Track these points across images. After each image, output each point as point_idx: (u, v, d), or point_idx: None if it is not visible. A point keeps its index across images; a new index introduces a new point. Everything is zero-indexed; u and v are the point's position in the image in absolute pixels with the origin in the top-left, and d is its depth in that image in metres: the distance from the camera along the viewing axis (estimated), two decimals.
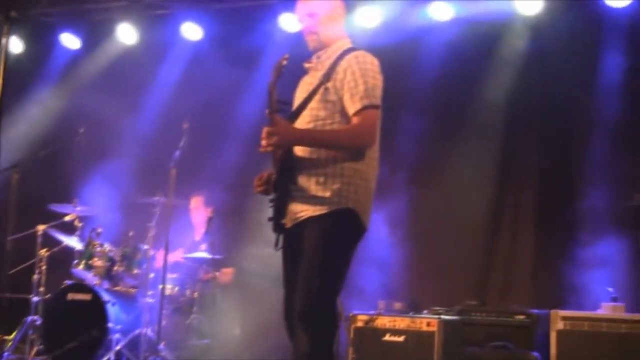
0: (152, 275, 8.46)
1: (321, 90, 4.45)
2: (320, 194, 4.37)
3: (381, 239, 8.37)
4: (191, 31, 9.86)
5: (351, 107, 4.39)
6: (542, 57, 8.50)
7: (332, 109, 4.43)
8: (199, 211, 9.25)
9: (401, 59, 8.46)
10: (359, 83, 4.39)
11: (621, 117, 7.94)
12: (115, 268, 8.44)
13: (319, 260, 4.30)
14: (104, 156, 9.56)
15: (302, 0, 4.71)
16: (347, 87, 4.40)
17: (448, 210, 8.57)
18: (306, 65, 4.70)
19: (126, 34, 10.15)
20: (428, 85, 8.72)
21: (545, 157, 8.51)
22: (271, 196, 4.50)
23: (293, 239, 4.43)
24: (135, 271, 8.49)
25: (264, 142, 4.30)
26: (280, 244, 4.52)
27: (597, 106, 8.13)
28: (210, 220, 8.53)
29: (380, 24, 8.96)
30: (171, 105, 9.70)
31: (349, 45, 4.63)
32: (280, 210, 4.46)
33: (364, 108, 4.37)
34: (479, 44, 8.68)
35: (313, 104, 4.47)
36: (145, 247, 8.46)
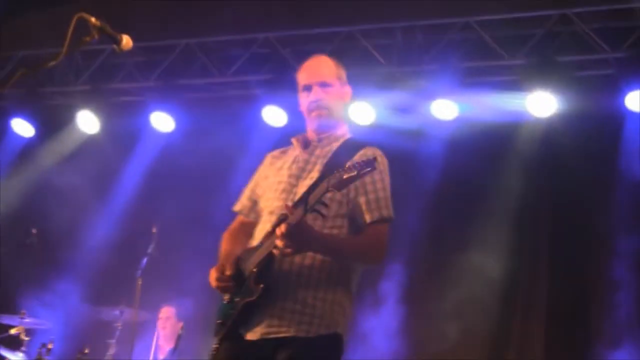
0: None
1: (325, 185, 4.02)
2: (309, 310, 3.99)
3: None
4: (162, 121, 9.35)
5: (368, 215, 4.10)
6: (555, 161, 8.38)
7: (336, 210, 4.10)
8: (169, 323, 8.74)
9: (401, 159, 8.03)
10: (378, 188, 4.13)
11: None
12: None
13: None
14: (60, 261, 9.20)
15: (316, 66, 4.45)
16: (365, 189, 4.12)
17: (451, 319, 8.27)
18: (296, 141, 4.39)
19: (87, 121, 9.60)
20: (430, 185, 8.53)
21: (558, 269, 8.33)
22: (227, 296, 4.15)
23: (253, 354, 4.01)
24: None
25: (281, 244, 3.82)
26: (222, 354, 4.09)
27: (615, 212, 7.99)
28: (179, 337, 7.97)
29: (377, 123, 8.67)
30: (138, 205, 9.36)
31: (349, 135, 4.40)
32: (243, 317, 4.03)
33: (383, 220, 4.12)
34: (484, 145, 8.49)
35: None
36: None
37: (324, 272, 4.04)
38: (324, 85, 4.34)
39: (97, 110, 9.53)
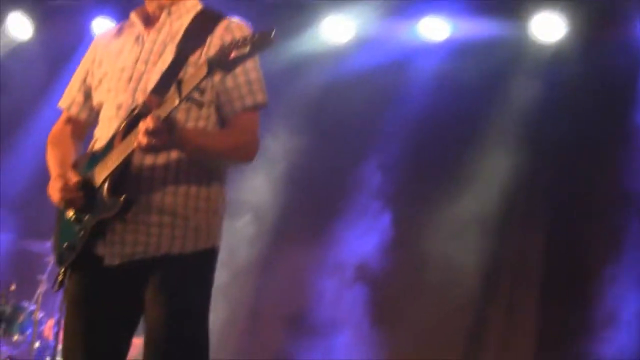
0: (37, 344, 7.83)
1: (185, 68, 3.59)
2: (180, 222, 3.56)
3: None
4: (105, 29, 8.40)
5: (238, 102, 3.66)
6: (561, 95, 7.87)
7: (198, 97, 3.61)
8: None
9: (381, 85, 8.03)
10: (249, 68, 3.66)
11: None
12: None
13: (191, 307, 3.55)
14: None
15: None
16: (232, 72, 3.53)
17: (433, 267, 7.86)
18: (136, 16, 3.81)
19: (18, 26, 9.10)
20: (413, 119, 8.02)
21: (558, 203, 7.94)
22: (71, 211, 3.63)
23: (116, 283, 3.56)
24: (16, 337, 7.83)
25: (142, 140, 3.31)
26: (70, 285, 3.66)
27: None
28: None
29: (356, 40, 8.28)
30: None
31: (201, 5, 3.88)
32: (95, 238, 3.56)
33: (257, 107, 3.70)
34: (479, 74, 7.97)
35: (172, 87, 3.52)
36: (32, 306, 7.84)
37: (193, 174, 3.60)
38: None
39: (30, 12, 9.01)
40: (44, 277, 7.73)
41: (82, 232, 3.55)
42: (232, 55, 3.15)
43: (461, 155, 8.01)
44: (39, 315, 7.70)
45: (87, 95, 3.89)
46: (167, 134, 3.30)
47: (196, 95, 3.40)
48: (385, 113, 8.06)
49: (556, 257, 7.81)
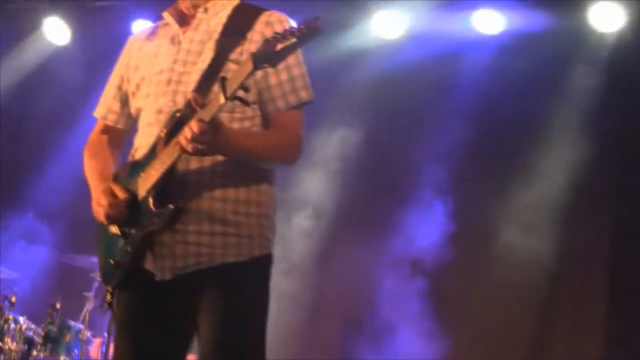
0: None
1: (226, 66, 3.47)
2: (232, 229, 3.43)
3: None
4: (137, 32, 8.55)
5: (282, 100, 3.53)
6: (621, 84, 7.69)
7: (244, 95, 3.37)
8: None
9: (436, 78, 7.95)
10: (291, 64, 3.53)
11: None
12: (35, 353, 7.63)
13: (248, 317, 3.44)
14: (24, 199, 8.66)
15: None
16: (274, 68, 3.37)
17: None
18: (169, 16, 3.70)
19: (55, 30, 9.05)
20: (469, 111, 7.92)
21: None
22: (115, 227, 3.50)
23: (169, 298, 3.46)
24: (63, 358, 7.66)
25: (188, 145, 3.20)
26: (123, 303, 3.53)
27: None
28: None
29: (407, 35, 8.18)
30: None
31: (237, 1, 3.74)
32: (143, 252, 3.44)
33: (301, 105, 3.57)
34: (535, 67, 7.83)
35: (215, 86, 3.39)
36: (78, 325, 7.73)
37: (240, 178, 3.48)
38: None
39: (67, 16, 8.97)
40: (91, 293, 7.67)
41: (129, 248, 3.44)
42: (278, 47, 3.02)
43: (520, 147, 7.90)
44: (87, 334, 7.63)
45: (124, 103, 3.79)
46: (213, 136, 3.19)
47: (241, 93, 3.17)
48: (441, 106, 7.95)
49: (623, 250, 7.60)
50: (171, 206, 3.33)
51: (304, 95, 3.55)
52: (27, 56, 9.18)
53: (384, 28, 8.15)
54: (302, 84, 3.55)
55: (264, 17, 3.56)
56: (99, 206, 3.46)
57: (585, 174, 7.67)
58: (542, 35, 7.75)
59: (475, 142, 7.92)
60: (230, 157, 3.39)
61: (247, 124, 3.47)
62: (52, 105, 8.99)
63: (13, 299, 7.55)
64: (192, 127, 3.15)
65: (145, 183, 3.41)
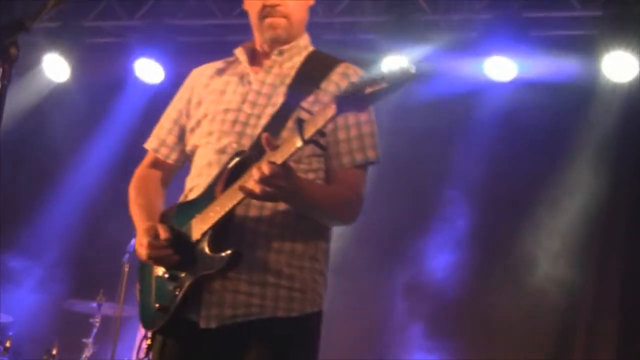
0: None
1: (297, 112, 3.38)
2: (285, 282, 3.37)
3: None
4: (148, 70, 8.61)
5: (347, 156, 3.49)
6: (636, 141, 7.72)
7: (311, 150, 3.41)
8: None
9: (444, 124, 8.01)
10: (362, 121, 3.50)
11: None
12: None
13: None
14: (20, 242, 8.53)
15: None
16: (346, 121, 3.49)
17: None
18: (242, 53, 3.68)
19: (55, 67, 8.86)
20: (477, 157, 8.00)
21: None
22: (162, 269, 3.43)
23: (211, 347, 3.36)
24: None
25: (256, 187, 3.10)
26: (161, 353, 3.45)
27: None
28: None
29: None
30: (119, 173, 8.35)
31: (312, 47, 3.74)
32: (191, 298, 3.34)
33: (367, 163, 3.53)
34: (547, 114, 7.89)
35: (283, 132, 3.39)
36: None
37: (299, 231, 3.42)
38: None
39: (67, 53, 8.78)
40: (90, 340, 7.56)
41: (177, 291, 3.34)
42: (367, 91, 2.91)
43: (535, 188, 7.95)
44: None
45: (180, 138, 3.72)
46: (284, 180, 3.08)
47: (319, 138, 3.12)
48: (457, 145, 8.02)
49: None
50: (230, 251, 3.22)
51: (371, 154, 3.48)
52: (25, 93, 9.07)
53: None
54: (370, 142, 3.49)
55: (340, 68, 3.54)
56: (140, 246, 3.38)
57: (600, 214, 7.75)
58: (556, 83, 7.70)
59: (492, 183, 7.99)
60: (294, 206, 3.31)
61: (311, 176, 3.40)
62: (54, 143, 8.95)
63: (7, 344, 7.49)
64: (262, 169, 3.05)
65: (201, 225, 3.32)
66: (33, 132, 8.98)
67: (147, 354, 3.48)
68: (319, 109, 3.12)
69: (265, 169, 3.03)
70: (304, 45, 3.66)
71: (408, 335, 7.82)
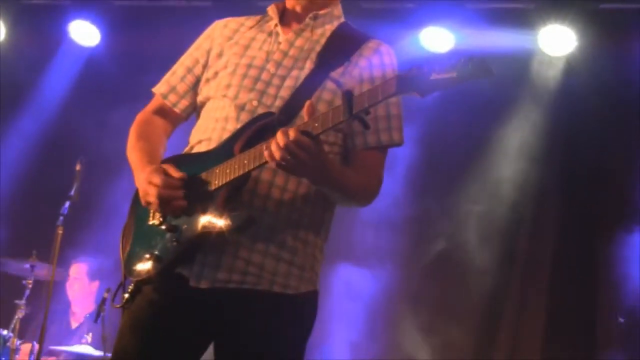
0: None
1: (325, 82, 3.31)
2: (286, 255, 3.26)
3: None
4: (83, 32, 8.65)
5: (372, 136, 3.36)
6: (570, 100, 7.88)
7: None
8: (77, 284, 8.10)
9: None
10: (392, 102, 3.35)
11: None
12: None
13: (286, 352, 3.30)
14: None
15: None
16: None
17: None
18: (274, 11, 3.56)
19: None
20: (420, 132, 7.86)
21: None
22: (159, 218, 3.27)
23: (196, 308, 3.23)
24: None
25: (277, 153, 2.95)
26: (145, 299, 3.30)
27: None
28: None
29: None
30: (57, 136, 8.65)
31: (343, 18, 3.60)
32: (188, 254, 3.21)
33: (391, 145, 3.40)
34: (485, 87, 7.73)
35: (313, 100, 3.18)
36: (7, 333, 7.42)
37: (309, 204, 3.31)
38: None
39: (1, 14, 8.75)
40: (22, 301, 7.47)
41: (174, 243, 3.21)
42: (433, 77, 2.74)
43: (469, 162, 8.08)
44: (16, 343, 7.35)
45: (191, 87, 3.60)
46: (313, 154, 2.94)
47: (364, 116, 2.90)
48: None
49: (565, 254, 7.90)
50: (246, 213, 3.10)
51: (396, 137, 3.38)
52: None
53: None
54: (397, 124, 3.38)
55: (372, 44, 3.44)
56: (150, 185, 3.19)
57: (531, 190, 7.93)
58: (492, 56, 7.71)
59: (429, 158, 8.11)
60: (315, 183, 3.19)
61: (326, 148, 3.16)
62: None
63: None
64: (291, 134, 2.91)
65: (215, 180, 3.18)
66: None
67: (124, 304, 3.32)
68: (376, 84, 2.93)
69: (294, 135, 2.90)
70: (337, 15, 3.57)
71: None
